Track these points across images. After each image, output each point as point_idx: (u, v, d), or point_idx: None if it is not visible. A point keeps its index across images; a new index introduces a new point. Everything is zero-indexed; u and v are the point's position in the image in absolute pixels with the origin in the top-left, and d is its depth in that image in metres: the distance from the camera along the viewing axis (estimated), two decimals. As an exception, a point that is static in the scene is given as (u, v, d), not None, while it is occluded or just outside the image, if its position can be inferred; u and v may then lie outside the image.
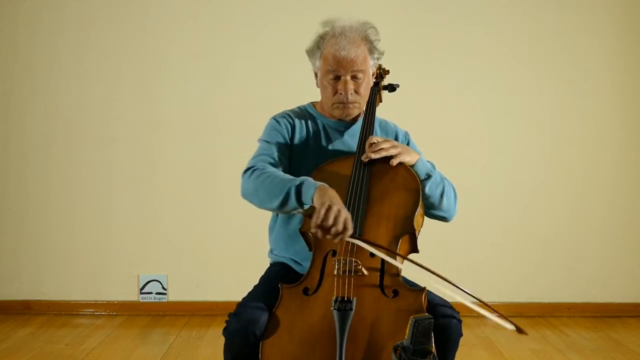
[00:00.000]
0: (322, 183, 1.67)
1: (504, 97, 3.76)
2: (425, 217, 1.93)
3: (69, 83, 3.73)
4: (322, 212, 1.56)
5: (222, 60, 3.72)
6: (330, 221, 1.55)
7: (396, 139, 2.07)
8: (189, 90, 3.73)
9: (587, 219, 3.78)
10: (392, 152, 1.83)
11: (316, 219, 1.56)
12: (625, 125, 3.78)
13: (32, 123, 3.74)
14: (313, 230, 1.58)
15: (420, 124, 3.63)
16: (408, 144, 2.07)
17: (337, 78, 1.91)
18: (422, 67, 3.73)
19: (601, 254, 3.78)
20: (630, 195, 3.79)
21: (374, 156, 1.81)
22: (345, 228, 1.58)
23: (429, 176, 1.89)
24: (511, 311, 3.75)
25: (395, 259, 1.69)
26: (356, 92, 1.93)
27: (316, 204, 1.61)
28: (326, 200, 1.59)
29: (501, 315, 1.58)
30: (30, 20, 3.71)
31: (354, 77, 1.91)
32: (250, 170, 1.81)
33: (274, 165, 1.86)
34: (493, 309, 1.58)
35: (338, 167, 1.88)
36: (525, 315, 3.73)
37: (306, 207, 1.67)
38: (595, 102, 3.77)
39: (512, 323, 1.56)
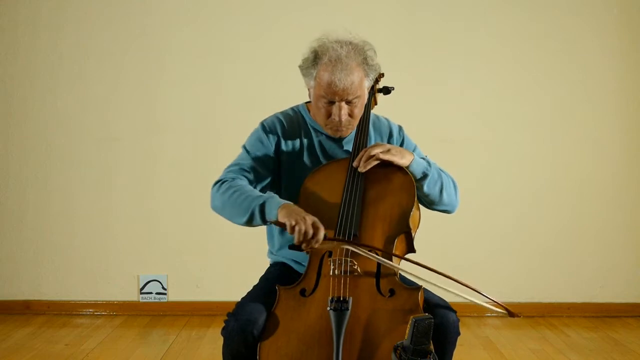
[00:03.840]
0: (285, 202, 1.71)
1: (504, 97, 3.76)
2: (423, 217, 1.92)
3: (69, 83, 3.73)
4: (295, 230, 1.63)
5: (222, 60, 3.72)
6: (309, 232, 1.62)
7: (390, 136, 2.05)
8: (189, 91, 3.73)
9: (587, 219, 3.78)
10: (386, 157, 1.81)
11: (296, 238, 1.63)
12: (626, 126, 3.78)
13: (32, 123, 3.74)
14: (301, 247, 1.65)
15: (421, 125, 3.64)
16: (403, 141, 2.05)
17: (331, 102, 1.86)
18: (423, 68, 3.72)
19: (601, 254, 3.78)
20: (630, 195, 3.79)
21: (364, 170, 1.81)
22: (317, 228, 1.63)
23: (425, 175, 1.86)
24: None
25: (391, 260, 1.70)
26: (350, 115, 1.88)
27: (284, 221, 1.66)
28: (292, 216, 1.65)
29: (495, 302, 1.69)
30: (30, 21, 3.71)
31: (348, 102, 1.86)
32: (220, 184, 1.85)
33: (247, 176, 1.87)
34: (488, 297, 1.68)
35: (333, 170, 1.87)
36: (525, 315, 3.72)
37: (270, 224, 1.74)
38: (595, 102, 3.77)
39: (504, 308, 1.70)
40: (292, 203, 1.71)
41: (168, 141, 3.74)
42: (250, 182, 1.87)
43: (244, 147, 1.97)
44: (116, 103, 3.74)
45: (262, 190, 1.90)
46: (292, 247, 1.67)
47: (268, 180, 1.94)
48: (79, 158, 3.74)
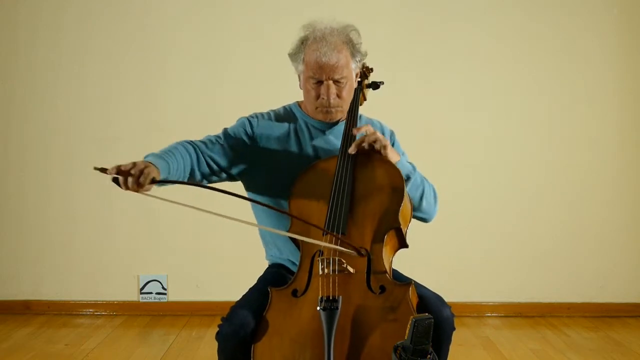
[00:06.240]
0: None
1: (503, 97, 3.76)
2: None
3: (69, 83, 3.73)
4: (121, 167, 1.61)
5: (222, 60, 3.72)
6: (135, 173, 1.60)
7: None
8: (189, 91, 3.73)
9: (587, 218, 3.78)
10: (384, 143, 1.82)
11: (115, 166, 1.61)
12: (625, 125, 3.77)
13: (32, 123, 3.74)
14: (112, 172, 1.61)
15: (420, 125, 3.65)
16: (393, 145, 2.06)
17: (320, 82, 1.90)
18: (422, 68, 3.72)
19: (601, 254, 3.78)
20: (630, 195, 3.78)
21: (353, 152, 1.82)
22: (145, 167, 1.62)
23: (408, 178, 1.88)
24: (511, 311, 3.76)
25: (380, 258, 1.71)
26: (339, 96, 1.91)
27: None
28: None
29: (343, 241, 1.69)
30: (30, 20, 3.71)
31: (336, 82, 1.89)
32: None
33: (206, 148, 1.92)
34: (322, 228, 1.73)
35: (322, 168, 1.89)
36: (525, 315, 3.73)
37: None
38: (595, 102, 3.76)
39: (353, 247, 1.69)
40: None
41: (168, 141, 3.70)
42: (204, 154, 1.91)
43: (225, 128, 2.02)
44: (116, 103, 3.74)
45: (220, 168, 1.94)
46: (114, 180, 1.64)
47: (226, 163, 1.95)
48: (79, 158, 3.74)
